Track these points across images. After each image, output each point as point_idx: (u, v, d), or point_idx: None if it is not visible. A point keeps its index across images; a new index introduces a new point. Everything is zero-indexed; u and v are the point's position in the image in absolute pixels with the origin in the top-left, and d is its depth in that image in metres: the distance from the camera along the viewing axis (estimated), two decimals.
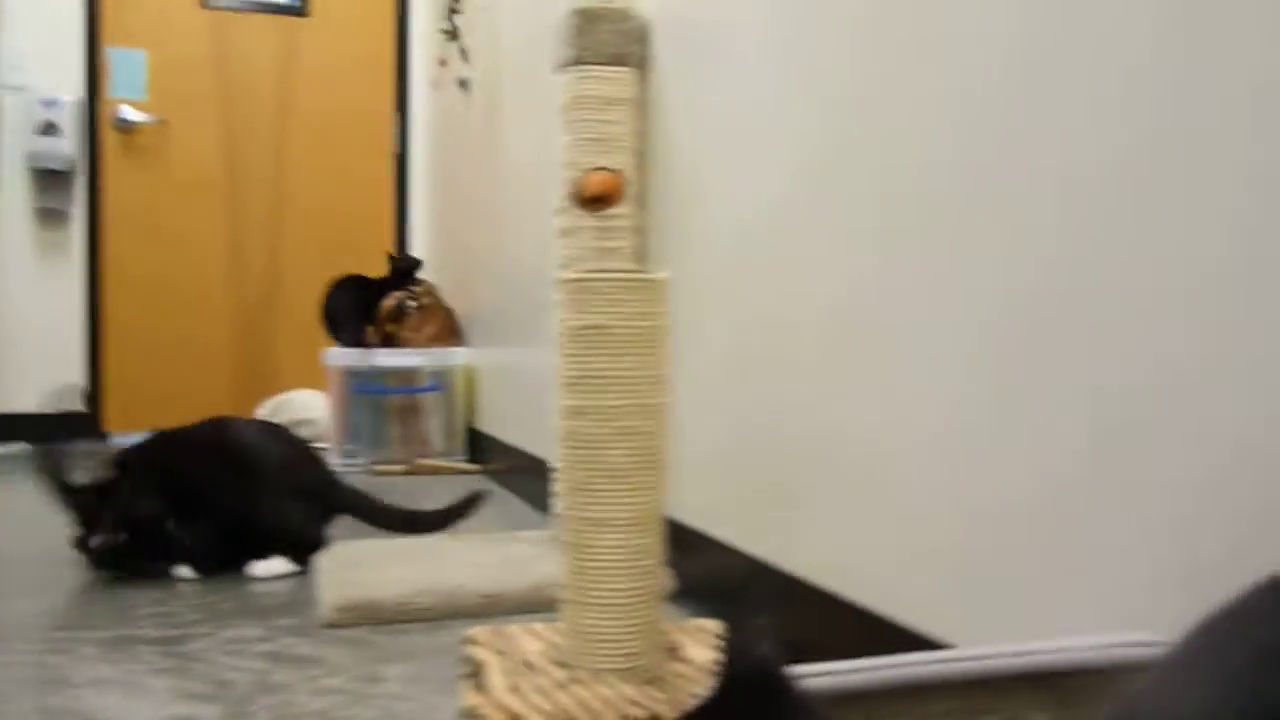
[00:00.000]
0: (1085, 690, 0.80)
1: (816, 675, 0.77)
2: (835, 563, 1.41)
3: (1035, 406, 1.05)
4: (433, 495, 3.22)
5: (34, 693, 1.42)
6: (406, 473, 3.60)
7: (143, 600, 1.90)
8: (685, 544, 1.86)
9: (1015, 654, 0.79)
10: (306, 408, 4.05)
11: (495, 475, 3.39)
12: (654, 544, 1.45)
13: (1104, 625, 0.95)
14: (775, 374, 1.58)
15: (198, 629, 1.72)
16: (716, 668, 0.61)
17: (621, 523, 1.41)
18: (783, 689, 0.59)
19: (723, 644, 0.60)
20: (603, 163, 1.27)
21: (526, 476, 2.97)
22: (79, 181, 4.36)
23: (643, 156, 2.02)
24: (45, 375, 4.30)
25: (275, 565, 2.05)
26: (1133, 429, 0.93)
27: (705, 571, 1.80)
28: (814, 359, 1.47)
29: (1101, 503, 0.96)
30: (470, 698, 1.33)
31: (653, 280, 1.45)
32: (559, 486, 1.48)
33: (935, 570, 1.20)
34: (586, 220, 1.46)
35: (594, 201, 1.31)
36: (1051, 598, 1.02)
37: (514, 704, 1.30)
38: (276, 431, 2.29)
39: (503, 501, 3.03)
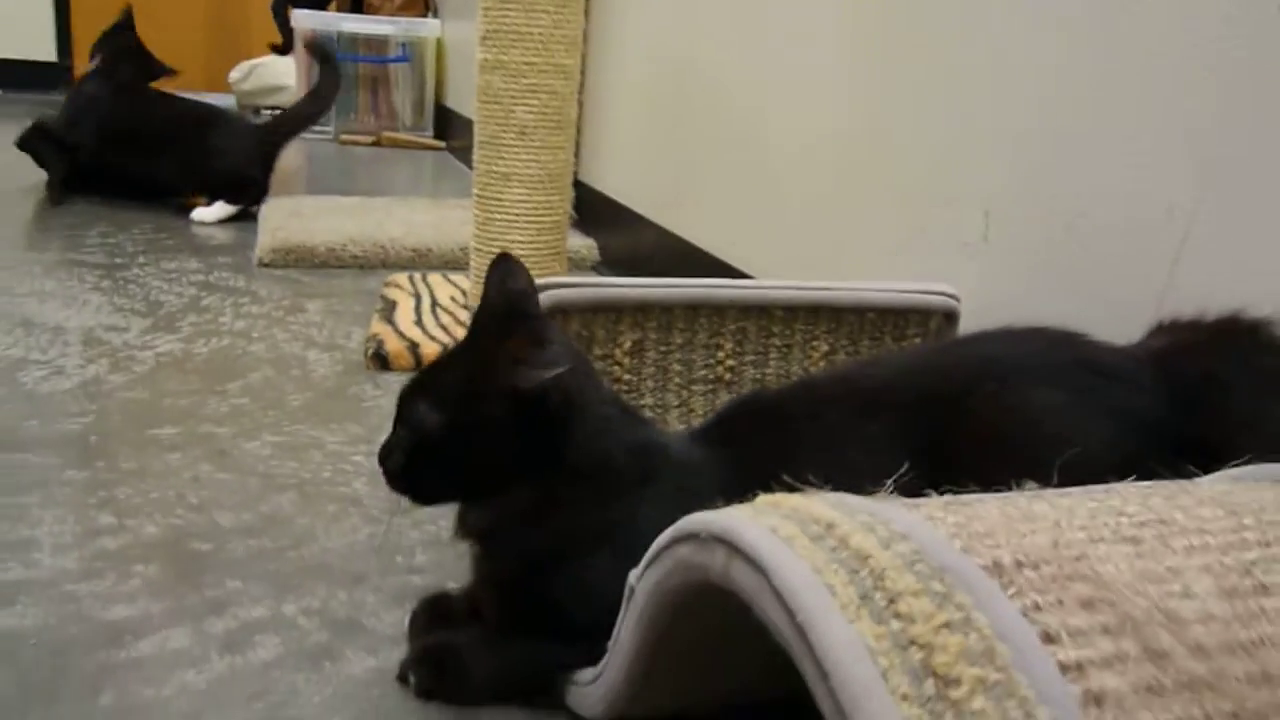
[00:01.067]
0: (869, 325, 0.90)
1: (629, 286, 0.86)
2: (724, 235, 1.49)
3: (899, 94, 1.09)
4: (398, 167, 3.28)
5: None
6: (373, 143, 3.61)
7: (91, 233, 1.99)
8: (610, 216, 1.94)
9: (806, 287, 0.88)
10: (277, 74, 3.99)
11: (459, 152, 3.42)
12: (560, 202, 1.52)
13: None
14: (689, 65, 1.59)
15: (140, 258, 1.82)
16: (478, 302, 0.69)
17: (528, 179, 1.47)
18: (529, 312, 0.67)
19: (485, 281, 0.68)
20: None
21: None
22: None
23: None
24: (13, 30, 4.25)
25: (216, 209, 2.13)
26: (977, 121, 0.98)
27: (625, 240, 1.89)
28: (721, 48, 1.48)
29: (943, 184, 1.02)
30: (376, 326, 1.44)
31: None
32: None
33: (802, 243, 1.28)
34: None
35: None
36: (890, 267, 1.11)
37: (414, 334, 1.41)
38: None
39: (461, 177, 3.08)
